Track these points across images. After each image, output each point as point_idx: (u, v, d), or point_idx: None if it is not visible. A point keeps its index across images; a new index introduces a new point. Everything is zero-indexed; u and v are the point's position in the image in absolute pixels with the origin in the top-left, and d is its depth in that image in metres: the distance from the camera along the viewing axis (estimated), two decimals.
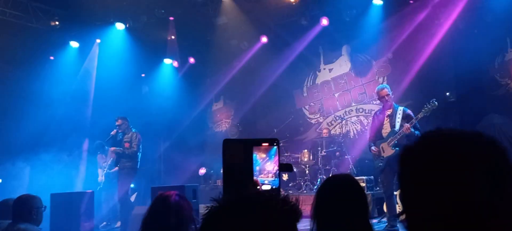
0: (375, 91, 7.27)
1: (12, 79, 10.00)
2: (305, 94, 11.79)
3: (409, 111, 6.80)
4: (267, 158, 1.54)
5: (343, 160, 9.59)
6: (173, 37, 11.53)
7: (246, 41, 11.53)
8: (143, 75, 12.68)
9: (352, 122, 10.83)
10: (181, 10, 10.50)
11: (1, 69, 9.80)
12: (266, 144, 1.59)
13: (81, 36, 11.22)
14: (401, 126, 6.59)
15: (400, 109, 6.78)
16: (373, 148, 6.87)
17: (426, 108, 6.54)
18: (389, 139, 6.67)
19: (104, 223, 9.52)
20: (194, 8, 10.33)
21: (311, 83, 11.70)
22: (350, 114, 10.98)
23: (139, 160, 8.79)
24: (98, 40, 11.48)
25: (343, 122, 10.62)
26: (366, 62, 10.91)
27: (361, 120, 10.83)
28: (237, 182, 1.52)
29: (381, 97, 6.91)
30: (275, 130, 10.16)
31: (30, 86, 10.61)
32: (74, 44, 11.40)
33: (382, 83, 7.47)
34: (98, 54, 11.40)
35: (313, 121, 11.59)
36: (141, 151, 8.81)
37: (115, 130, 8.79)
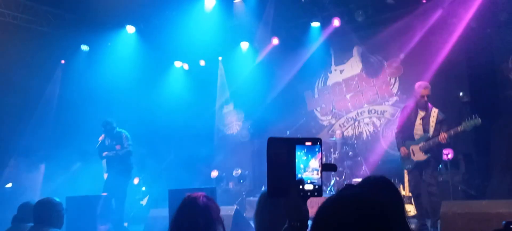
0: (416, 87, 6.84)
1: (23, 83, 10.02)
2: (316, 96, 11.74)
3: (443, 115, 6.61)
4: (311, 157, 1.53)
5: (356, 161, 9.54)
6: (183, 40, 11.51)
7: (257, 42, 11.51)
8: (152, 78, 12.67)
9: (365, 123, 10.77)
10: (192, 13, 10.51)
11: (13, 73, 9.82)
12: (309, 143, 1.58)
13: (91, 40, 11.25)
14: (435, 130, 6.47)
15: (435, 112, 6.59)
16: (402, 148, 6.74)
17: (467, 123, 6.26)
18: (421, 143, 6.53)
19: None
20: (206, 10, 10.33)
21: (322, 85, 11.65)
22: (362, 115, 10.92)
23: (131, 161, 8.70)
24: (109, 43, 11.50)
25: (356, 123, 10.56)
26: (377, 63, 10.84)
27: (373, 121, 10.76)
28: (280, 180, 1.52)
29: (420, 96, 6.60)
30: (288, 132, 10.11)
31: (41, 89, 10.64)
32: (84, 47, 11.43)
33: (422, 83, 6.98)
34: (109, 57, 11.41)
35: (325, 123, 11.53)
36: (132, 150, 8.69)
37: (103, 135, 8.69)
